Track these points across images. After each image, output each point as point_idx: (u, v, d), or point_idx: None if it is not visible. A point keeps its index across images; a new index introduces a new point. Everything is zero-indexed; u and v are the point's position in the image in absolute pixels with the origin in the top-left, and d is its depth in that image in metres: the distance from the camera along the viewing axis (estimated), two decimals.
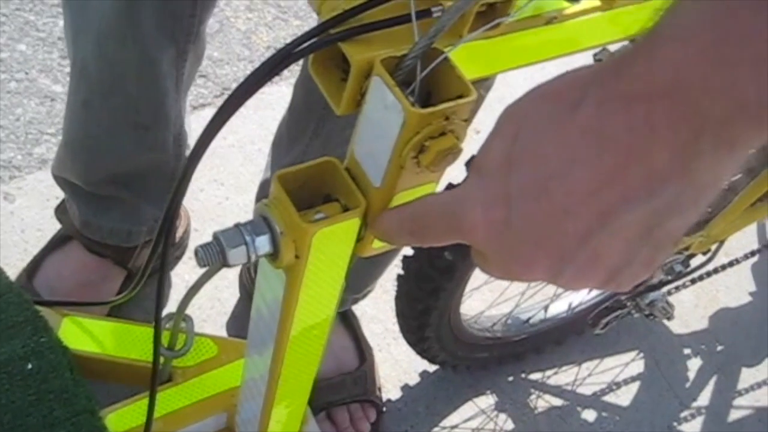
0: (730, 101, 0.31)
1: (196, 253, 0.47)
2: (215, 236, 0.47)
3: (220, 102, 0.97)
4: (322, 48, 0.44)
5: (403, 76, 0.43)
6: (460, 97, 0.43)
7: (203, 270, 0.52)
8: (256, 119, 1.45)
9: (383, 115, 0.43)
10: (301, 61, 0.50)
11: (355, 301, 1.13)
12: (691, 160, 0.32)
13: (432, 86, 0.45)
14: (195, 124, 1.04)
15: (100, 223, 1.05)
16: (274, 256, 0.48)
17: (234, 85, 1.46)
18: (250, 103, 1.63)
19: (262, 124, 1.44)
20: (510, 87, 0.77)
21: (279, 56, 0.44)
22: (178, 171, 1.02)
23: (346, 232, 0.48)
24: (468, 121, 0.45)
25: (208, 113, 1.37)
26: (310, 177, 0.48)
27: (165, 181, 1.02)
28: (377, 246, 0.51)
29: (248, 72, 0.60)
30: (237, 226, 0.47)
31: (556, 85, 0.37)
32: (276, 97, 1.48)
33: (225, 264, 0.47)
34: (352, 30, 0.44)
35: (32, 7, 1.52)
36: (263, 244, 0.47)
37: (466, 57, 0.50)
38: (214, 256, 0.47)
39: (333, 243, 0.48)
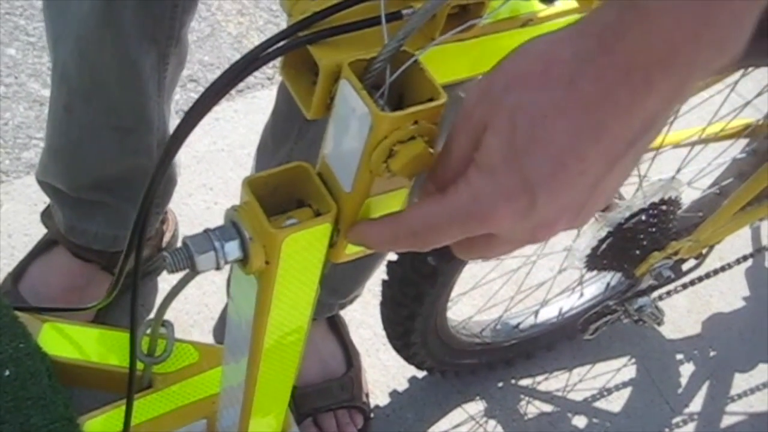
0: (715, 49, 0.36)
1: (164, 258, 0.46)
2: (184, 242, 0.46)
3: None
4: (289, 51, 0.44)
5: (373, 80, 0.42)
6: (431, 100, 0.42)
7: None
8: (246, 123, 1.44)
9: (351, 119, 0.42)
10: None
11: (342, 306, 1.12)
12: (677, 97, 0.38)
13: (403, 90, 0.44)
14: None
15: (85, 228, 1.05)
16: (244, 261, 0.47)
17: None
18: (240, 107, 1.60)
19: (251, 128, 1.43)
20: None
21: (246, 60, 0.44)
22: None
23: (317, 237, 0.47)
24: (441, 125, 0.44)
25: None
26: (281, 182, 0.47)
27: None
28: (351, 251, 0.50)
29: None
30: (206, 231, 0.47)
31: (534, 66, 0.39)
32: (266, 102, 1.47)
33: (194, 270, 0.46)
34: (321, 33, 0.44)
35: (22, 12, 1.52)
36: (233, 249, 0.46)
37: (441, 60, 0.49)
38: (182, 262, 0.46)
39: (304, 248, 0.47)
